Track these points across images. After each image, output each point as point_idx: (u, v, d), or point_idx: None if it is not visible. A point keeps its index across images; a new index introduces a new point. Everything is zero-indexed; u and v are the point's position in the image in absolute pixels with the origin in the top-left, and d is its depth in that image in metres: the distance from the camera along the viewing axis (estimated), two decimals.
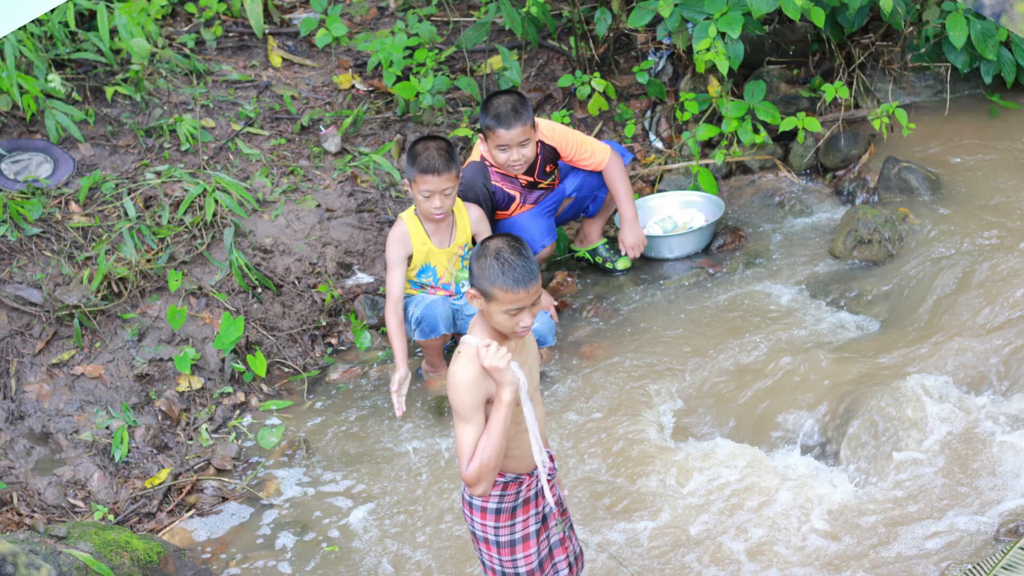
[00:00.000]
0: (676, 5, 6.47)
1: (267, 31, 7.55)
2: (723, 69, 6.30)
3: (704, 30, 6.34)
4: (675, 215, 6.63)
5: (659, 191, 6.85)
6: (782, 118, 6.68)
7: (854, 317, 5.74)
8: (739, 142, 6.81)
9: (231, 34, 7.50)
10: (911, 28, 6.81)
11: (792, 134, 6.93)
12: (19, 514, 5.01)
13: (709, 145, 7.02)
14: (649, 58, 7.44)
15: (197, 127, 6.56)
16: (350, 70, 7.38)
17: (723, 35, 6.37)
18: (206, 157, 6.48)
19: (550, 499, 3.74)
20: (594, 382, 5.58)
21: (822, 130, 6.76)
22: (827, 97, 6.62)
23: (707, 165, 6.81)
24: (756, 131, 6.74)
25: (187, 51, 7.14)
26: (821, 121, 6.80)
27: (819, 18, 6.26)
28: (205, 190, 6.15)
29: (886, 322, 5.65)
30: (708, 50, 6.30)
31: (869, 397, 4.98)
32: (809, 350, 5.41)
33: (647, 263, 6.44)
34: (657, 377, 5.55)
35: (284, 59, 7.47)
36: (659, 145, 7.19)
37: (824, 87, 6.69)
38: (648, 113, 7.32)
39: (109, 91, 6.58)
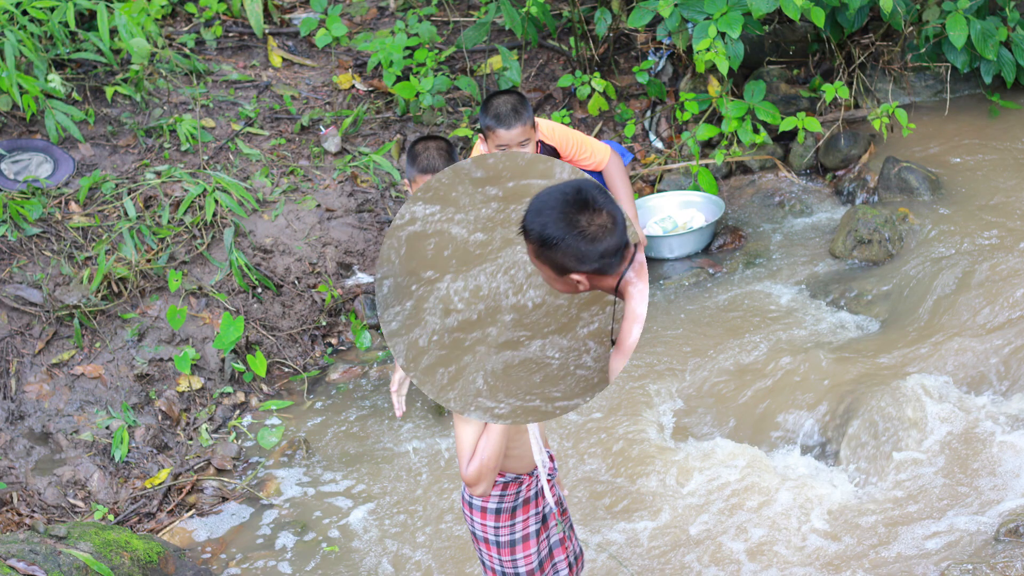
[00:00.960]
0: (676, 5, 6.47)
1: (267, 31, 7.55)
2: (723, 69, 6.30)
3: (704, 30, 6.33)
4: (675, 215, 6.63)
5: (659, 191, 6.84)
6: (782, 118, 6.68)
7: (854, 317, 5.74)
8: (739, 142, 6.81)
9: (231, 34, 7.50)
10: (911, 28, 6.80)
11: (792, 134, 6.93)
12: (19, 514, 5.00)
13: (709, 145, 7.01)
14: (649, 58, 7.44)
15: (197, 127, 6.56)
16: (350, 70, 7.38)
17: (723, 35, 6.37)
18: (206, 157, 6.48)
19: (550, 499, 3.74)
20: None
21: (822, 130, 6.76)
22: (827, 97, 6.62)
23: (707, 165, 6.80)
24: (756, 131, 6.74)
25: (187, 51, 7.14)
26: (821, 121, 6.80)
27: (819, 18, 6.26)
28: (205, 190, 6.15)
29: (886, 322, 5.65)
30: (708, 50, 6.30)
31: (869, 397, 4.98)
32: (809, 350, 5.41)
33: (647, 263, 6.43)
34: (657, 377, 5.55)
35: (284, 59, 7.46)
36: (659, 145, 7.18)
37: (824, 87, 6.69)
38: (648, 113, 7.32)
39: (109, 91, 6.57)
